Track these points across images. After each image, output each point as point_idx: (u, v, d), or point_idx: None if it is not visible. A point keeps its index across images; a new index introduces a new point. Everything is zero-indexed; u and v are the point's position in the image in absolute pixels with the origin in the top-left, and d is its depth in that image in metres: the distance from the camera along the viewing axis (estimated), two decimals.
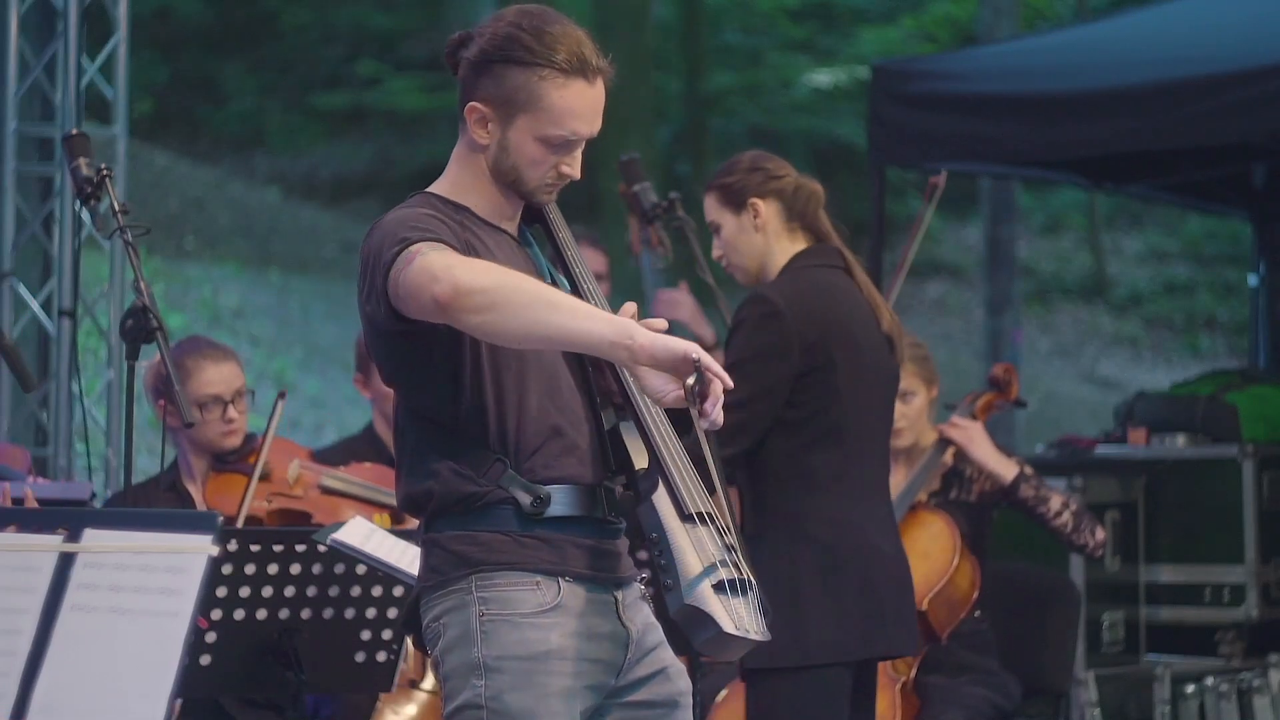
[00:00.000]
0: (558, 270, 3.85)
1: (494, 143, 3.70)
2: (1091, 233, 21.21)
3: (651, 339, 3.43)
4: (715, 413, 3.45)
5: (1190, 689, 7.19)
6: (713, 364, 3.45)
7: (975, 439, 6.03)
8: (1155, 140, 7.76)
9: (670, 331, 3.57)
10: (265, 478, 5.60)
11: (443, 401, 3.65)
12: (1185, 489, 7.49)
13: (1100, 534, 6.10)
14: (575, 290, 3.79)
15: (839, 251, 5.01)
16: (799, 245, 5.01)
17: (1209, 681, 7.24)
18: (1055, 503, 6.05)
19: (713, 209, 5.06)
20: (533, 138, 3.67)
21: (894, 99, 8.01)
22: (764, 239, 5.01)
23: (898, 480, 6.09)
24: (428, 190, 3.78)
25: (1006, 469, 6.02)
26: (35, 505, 4.87)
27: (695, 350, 3.43)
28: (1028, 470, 6.10)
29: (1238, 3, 8.07)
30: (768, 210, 4.99)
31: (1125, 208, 20.61)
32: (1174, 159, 8.64)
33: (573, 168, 3.73)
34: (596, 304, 3.75)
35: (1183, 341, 19.90)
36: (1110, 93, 7.56)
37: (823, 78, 20.49)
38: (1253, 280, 9.78)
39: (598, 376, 3.75)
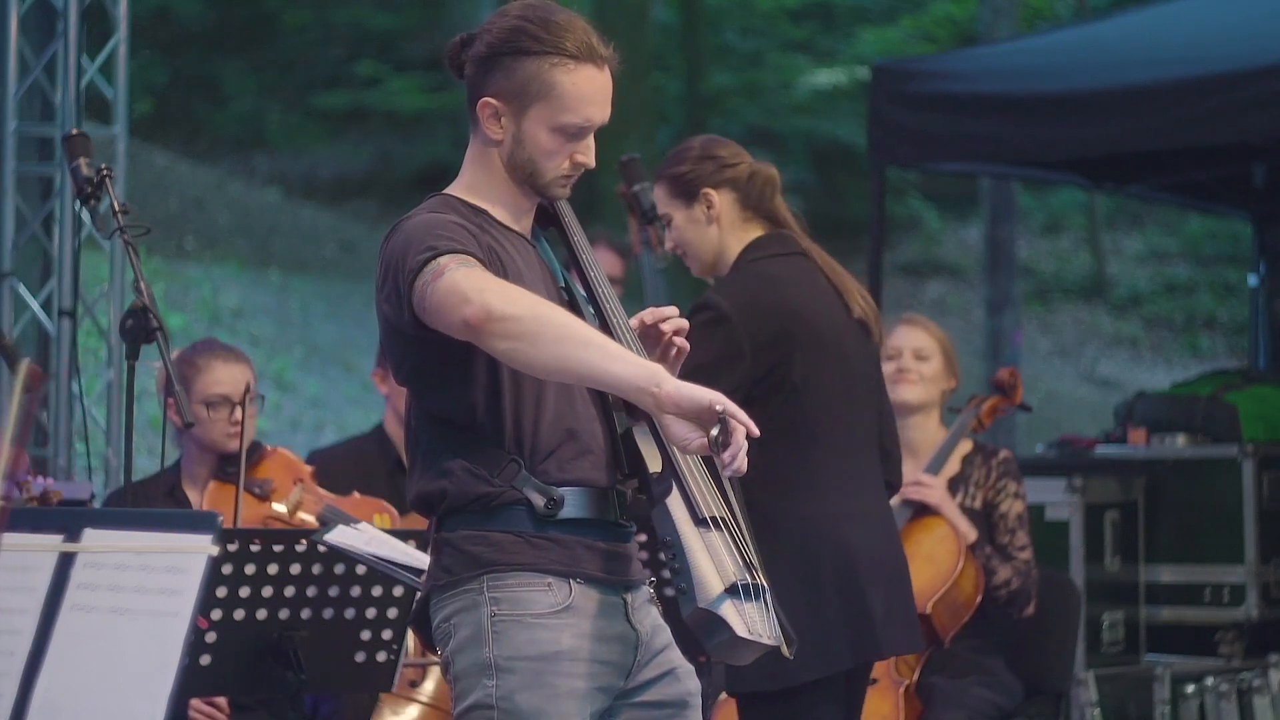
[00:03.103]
0: (572, 273, 3.85)
1: (508, 137, 3.70)
2: (1091, 233, 21.21)
3: (677, 387, 3.44)
4: (738, 462, 3.45)
5: (1190, 689, 7.19)
6: (738, 412, 3.45)
7: (942, 500, 6.02)
8: (1155, 140, 7.77)
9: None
10: (265, 499, 5.59)
11: (459, 402, 3.65)
12: (1185, 489, 7.49)
13: (1029, 611, 6.10)
14: (589, 293, 3.79)
15: (793, 238, 4.85)
16: (753, 233, 4.84)
17: (1209, 681, 7.24)
18: (1000, 576, 6.04)
19: (663, 200, 4.89)
20: (547, 128, 3.67)
21: (894, 99, 8.00)
22: (718, 230, 4.84)
23: (906, 471, 6.10)
24: (445, 192, 3.77)
25: (968, 531, 6.02)
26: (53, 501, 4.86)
27: (720, 400, 3.44)
28: (992, 546, 6.09)
29: (1238, 3, 8.07)
30: (722, 200, 4.83)
31: (1125, 208, 20.61)
32: (1174, 159, 8.65)
33: (587, 156, 3.72)
34: (610, 307, 3.76)
35: (1183, 341, 19.90)
36: (1110, 93, 7.56)
37: (823, 78, 20.49)
38: (1253, 280, 9.78)
39: None
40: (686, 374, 4.62)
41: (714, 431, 3.42)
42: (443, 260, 3.52)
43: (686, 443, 3.48)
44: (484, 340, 3.48)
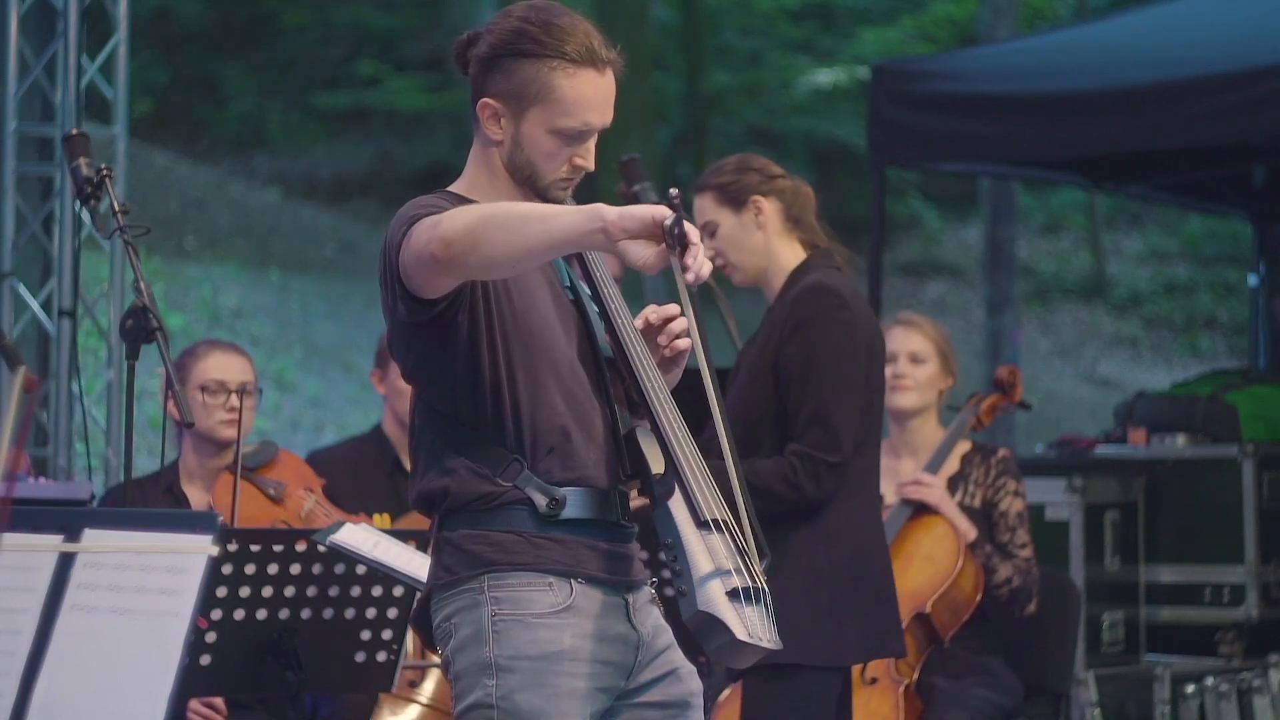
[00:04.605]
0: (576, 272, 3.84)
1: (507, 138, 3.70)
2: (1091, 233, 21.22)
3: (619, 212, 3.43)
4: (699, 264, 3.45)
5: (1190, 689, 7.19)
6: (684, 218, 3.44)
7: (941, 499, 6.02)
8: (1155, 140, 7.77)
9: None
10: (279, 502, 5.59)
11: (461, 399, 3.65)
12: (1185, 489, 7.49)
13: (1031, 609, 6.11)
14: (594, 293, 3.78)
15: (836, 256, 5.03)
16: (795, 245, 5.02)
17: (1209, 681, 7.23)
18: (1001, 575, 6.05)
19: (709, 209, 5.03)
20: (546, 130, 3.67)
21: (894, 99, 8.00)
22: (765, 237, 5.00)
23: (904, 471, 6.10)
24: (445, 190, 3.78)
25: (967, 530, 6.02)
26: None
27: (662, 206, 3.44)
28: (992, 545, 6.10)
29: (1238, 3, 8.07)
30: (770, 208, 5.00)
31: (1125, 208, 20.62)
32: (1174, 159, 8.65)
33: (586, 159, 3.72)
34: (615, 306, 3.75)
35: (1183, 341, 19.90)
36: (1110, 93, 7.56)
37: (823, 78, 20.50)
38: (1253, 280, 9.79)
39: (615, 380, 3.75)
40: (813, 363, 4.76)
41: (667, 222, 3.39)
42: (418, 224, 3.55)
43: (647, 260, 3.45)
44: (457, 269, 3.48)
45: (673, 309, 3.79)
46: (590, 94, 3.68)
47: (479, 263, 3.47)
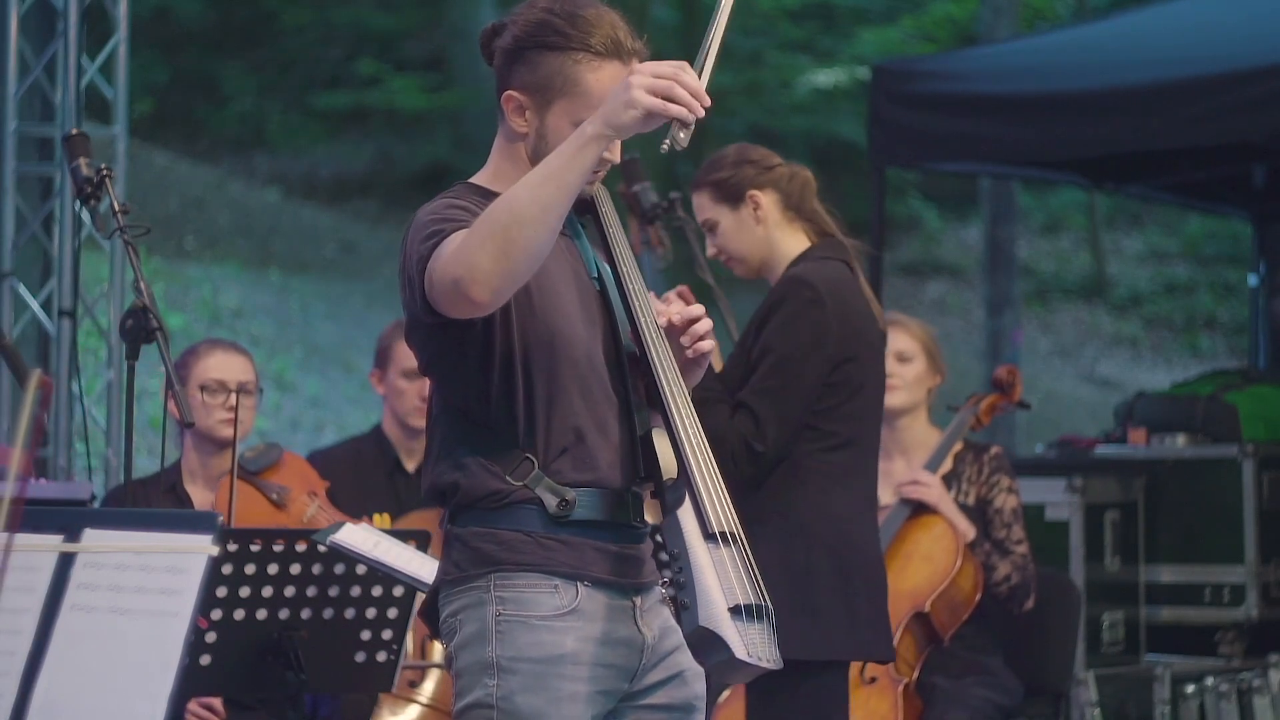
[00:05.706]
0: (603, 261, 3.81)
1: (532, 130, 3.67)
2: (1091, 233, 21.22)
3: (605, 113, 3.42)
4: (695, 96, 3.43)
5: (1190, 689, 7.19)
6: (647, 75, 3.43)
7: (939, 498, 6.02)
8: (1155, 140, 7.77)
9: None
10: (282, 507, 5.59)
11: (475, 396, 3.62)
12: (1185, 489, 7.49)
13: (1029, 605, 6.11)
14: (619, 284, 3.74)
15: (845, 246, 5.00)
16: (799, 234, 4.98)
17: (1209, 681, 7.23)
18: (1000, 572, 6.05)
19: (707, 206, 5.01)
20: (571, 123, 3.60)
21: (894, 99, 8.00)
22: (765, 230, 4.97)
23: (897, 471, 6.10)
24: (469, 181, 3.74)
25: (967, 529, 6.02)
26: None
27: (618, 92, 3.43)
28: (991, 541, 6.10)
29: (1238, 3, 8.07)
30: (767, 201, 4.97)
31: (1125, 208, 20.63)
32: (1174, 159, 8.65)
33: (613, 152, 3.62)
34: (640, 303, 3.71)
35: (1183, 341, 19.91)
36: (1110, 93, 7.56)
37: (823, 78, 20.50)
38: (1253, 280, 9.79)
39: (636, 379, 3.71)
40: (771, 352, 4.72)
41: (642, 108, 3.39)
42: (443, 243, 3.50)
43: (658, 106, 3.42)
44: (507, 291, 3.44)
45: (697, 310, 3.76)
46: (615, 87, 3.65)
47: (526, 266, 3.43)
